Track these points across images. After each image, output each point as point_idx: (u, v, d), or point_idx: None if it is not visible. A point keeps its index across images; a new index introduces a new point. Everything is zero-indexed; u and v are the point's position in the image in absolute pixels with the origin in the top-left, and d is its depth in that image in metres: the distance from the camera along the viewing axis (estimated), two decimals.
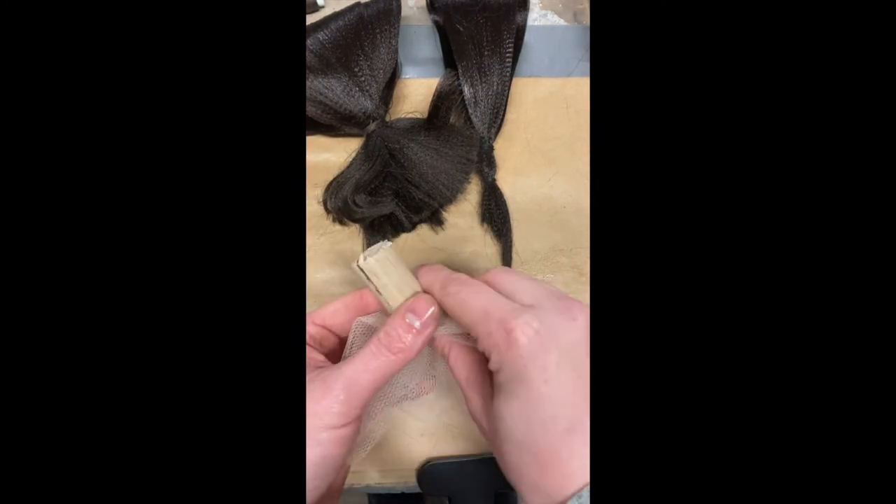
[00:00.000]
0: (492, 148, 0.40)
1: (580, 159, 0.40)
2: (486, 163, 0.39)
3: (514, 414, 0.24)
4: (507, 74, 0.39)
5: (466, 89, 0.38)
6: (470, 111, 0.39)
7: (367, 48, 0.37)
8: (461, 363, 0.28)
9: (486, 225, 0.39)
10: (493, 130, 0.39)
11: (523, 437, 0.23)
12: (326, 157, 0.40)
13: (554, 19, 0.43)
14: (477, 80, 0.39)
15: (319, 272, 0.39)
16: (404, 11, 0.42)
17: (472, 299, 0.26)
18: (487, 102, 0.39)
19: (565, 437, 0.22)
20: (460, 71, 0.38)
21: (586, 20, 0.43)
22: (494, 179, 0.40)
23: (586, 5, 0.43)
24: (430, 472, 0.38)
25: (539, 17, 0.43)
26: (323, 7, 0.41)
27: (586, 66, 0.42)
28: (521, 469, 0.23)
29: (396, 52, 0.38)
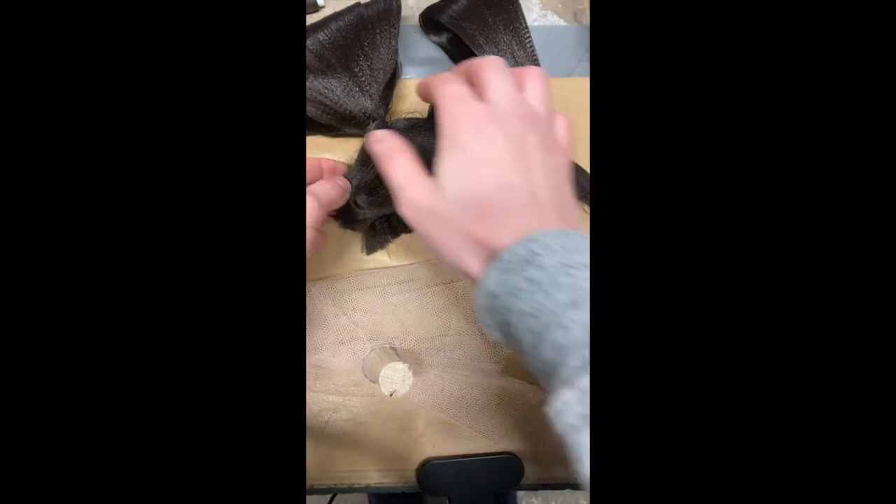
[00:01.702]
0: None
1: (580, 159, 0.40)
2: None
3: (456, 166, 0.28)
4: (532, 51, 0.39)
5: None
6: None
7: (367, 48, 0.37)
8: (401, 166, 0.30)
9: None
10: None
11: (461, 191, 0.27)
12: (326, 157, 0.40)
13: (554, 19, 0.43)
14: (513, 67, 0.39)
15: (318, 272, 0.39)
16: (404, 11, 0.42)
17: (435, 80, 0.30)
18: None
19: (499, 193, 0.27)
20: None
21: (586, 20, 0.43)
22: None
23: (586, 5, 0.43)
24: (430, 472, 0.38)
25: (539, 17, 0.43)
26: (323, 7, 0.41)
27: (586, 66, 0.42)
28: (461, 225, 0.27)
29: (396, 52, 0.38)
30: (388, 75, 0.37)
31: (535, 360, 0.25)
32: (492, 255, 0.26)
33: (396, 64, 0.38)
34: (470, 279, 0.28)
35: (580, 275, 0.24)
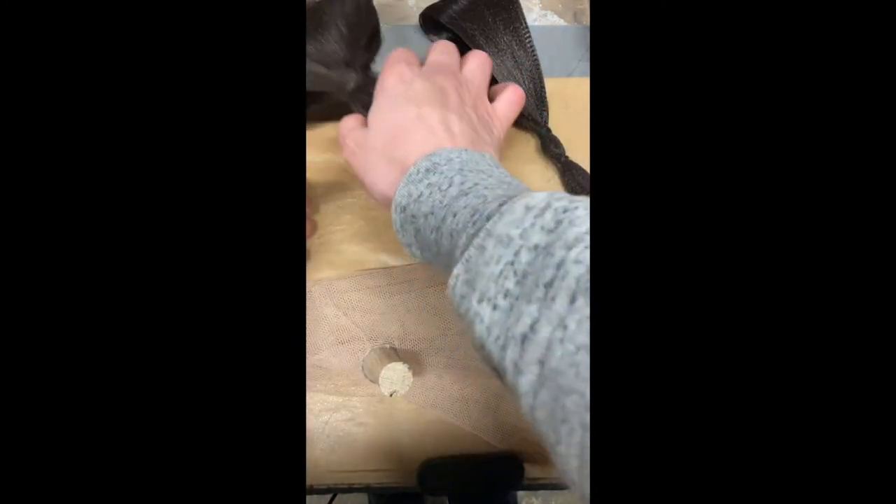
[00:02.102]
0: (549, 129, 0.40)
1: (580, 159, 0.40)
2: (552, 144, 0.40)
3: (380, 109, 0.32)
4: (532, 51, 0.39)
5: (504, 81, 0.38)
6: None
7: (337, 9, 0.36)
8: (344, 122, 0.34)
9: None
10: (543, 113, 0.40)
11: (383, 124, 0.31)
12: (327, 157, 0.40)
13: (554, 19, 0.43)
14: (513, 67, 0.39)
15: (318, 272, 0.39)
16: (404, 11, 0.42)
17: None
18: (530, 85, 0.39)
19: (415, 120, 0.30)
20: (494, 68, 0.38)
21: (586, 20, 0.43)
22: (567, 157, 0.40)
23: (586, 5, 0.43)
24: (430, 472, 0.38)
25: (539, 17, 0.43)
26: None
27: (586, 66, 0.42)
28: (381, 151, 0.31)
29: (369, 8, 0.37)
30: (364, 29, 0.36)
31: (440, 256, 0.27)
32: (404, 173, 0.29)
33: (373, 14, 0.37)
34: (389, 194, 0.30)
35: (473, 176, 0.27)
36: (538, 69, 0.39)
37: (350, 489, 0.39)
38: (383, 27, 0.39)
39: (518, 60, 0.39)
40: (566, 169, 0.40)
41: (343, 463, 0.38)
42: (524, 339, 0.21)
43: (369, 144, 0.31)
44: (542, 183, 0.41)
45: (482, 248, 0.23)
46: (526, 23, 0.39)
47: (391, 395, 0.34)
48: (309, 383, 0.38)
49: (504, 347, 0.22)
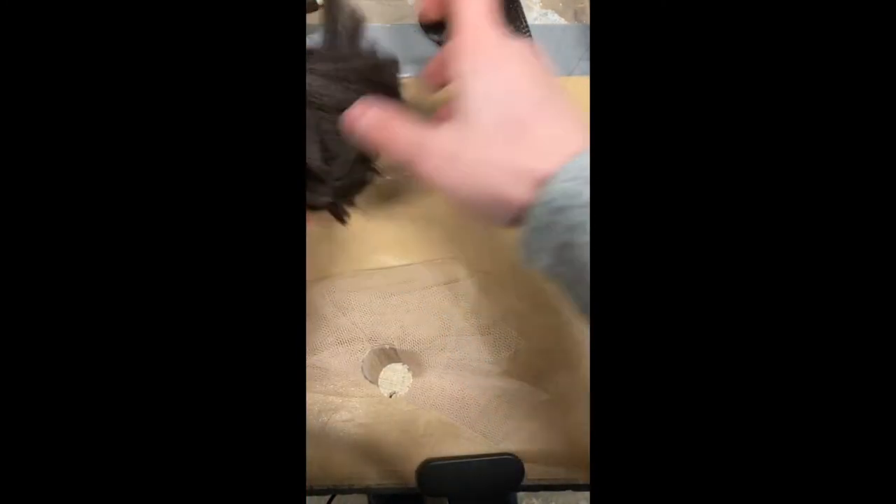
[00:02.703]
0: None
1: None
2: None
3: (480, 98, 0.25)
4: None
5: None
6: None
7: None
8: (400, 130, 0.27)
9: None
10: None
11: (490, 117, 0.24)
12: None
13: (554, 18, 0.43)
14: None
15: (318, 272, 0.39)
16: (404, 11, 0.42)
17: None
18: None
19: (532, 109, 0.24)
20: None
21: (586, 19, 0.43)
22: None
23: (586, 4, 0.43)
24: (430, 472, 0.38)
25: (539, 16, 0.43)
26: (322, 6, 0.41)
27: (586, 65, 0.42)
28: (499, 157, 0.24)
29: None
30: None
31: None
32: (542, 179, 0.23)
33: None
34: (512, 211, 0.25)
35: None
36: None
37: (350, 490, 0.39)
38: (384, 27, 0.39)
39: None
40: None
41: (343, 463, 0.38)
42: None
43: (478, 146, 0.25)
44: None
45: None
46: (526, 21, 0.39)
47: (391, 396, 0.34)
48: (308, 384, 0.38)
49: None
